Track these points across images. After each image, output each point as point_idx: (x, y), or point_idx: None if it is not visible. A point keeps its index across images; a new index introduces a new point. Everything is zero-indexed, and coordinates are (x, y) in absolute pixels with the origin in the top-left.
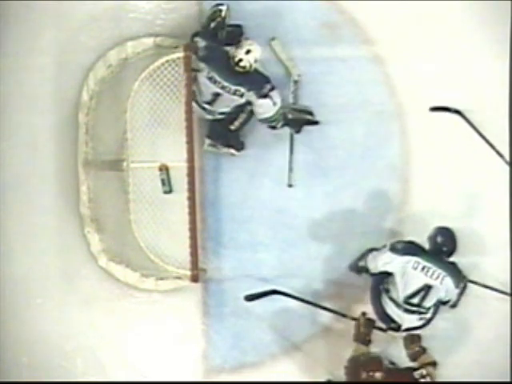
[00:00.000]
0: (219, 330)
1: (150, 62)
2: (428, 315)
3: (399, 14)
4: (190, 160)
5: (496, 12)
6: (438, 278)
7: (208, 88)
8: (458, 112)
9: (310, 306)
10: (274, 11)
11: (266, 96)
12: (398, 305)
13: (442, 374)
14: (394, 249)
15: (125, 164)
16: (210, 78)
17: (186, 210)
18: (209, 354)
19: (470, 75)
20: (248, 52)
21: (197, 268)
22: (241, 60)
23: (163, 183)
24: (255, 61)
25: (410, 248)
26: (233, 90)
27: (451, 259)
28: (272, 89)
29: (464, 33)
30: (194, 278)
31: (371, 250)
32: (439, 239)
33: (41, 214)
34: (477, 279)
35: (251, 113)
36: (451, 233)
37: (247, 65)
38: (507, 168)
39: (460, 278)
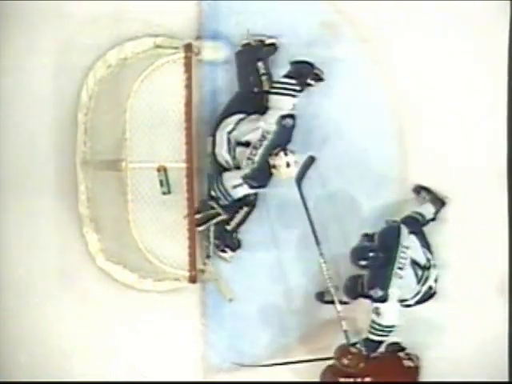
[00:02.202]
0: (217, 331)
1: (150, 63)
2: (433, 261)
3: (398, 13)
4: (189, 161)
5: (496, 11)
6: (407, 251)
7: (253, 134)
8: None
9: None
10: (273, 11)
11: (242, 184)
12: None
13: (440, 373)
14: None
15: (123, 164)
16: (263, 137)
17: (185, 211)
18: (207, 354)
19: (469, 75)
20: (288, 166)
21: (195, 269)
22: (277, 166)
23: (161, 184)
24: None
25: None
26: (252, 155)
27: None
28: (252, 188)
29: (464, 32)
30: (192, 279)
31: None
32: (357, 260)
33: (39, 214)
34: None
35: (248, 214)
36: (356, 248)
37: (277, 171)
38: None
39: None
